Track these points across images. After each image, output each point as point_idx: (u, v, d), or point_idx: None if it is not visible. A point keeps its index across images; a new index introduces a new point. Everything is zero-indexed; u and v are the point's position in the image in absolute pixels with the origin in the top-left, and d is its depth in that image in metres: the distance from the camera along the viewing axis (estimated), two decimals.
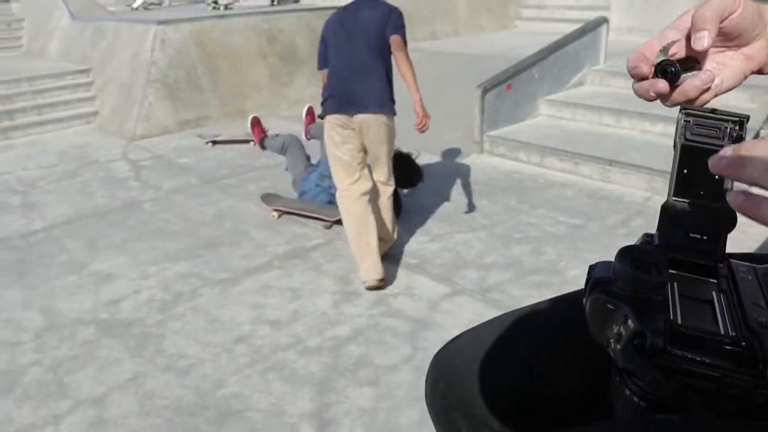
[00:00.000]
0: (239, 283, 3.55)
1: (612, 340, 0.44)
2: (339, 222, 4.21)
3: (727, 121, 0.52)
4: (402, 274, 3.58)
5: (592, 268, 0.48)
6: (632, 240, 0.50)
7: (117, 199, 5.03)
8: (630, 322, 0.42)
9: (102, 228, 4.45)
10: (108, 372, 2.78)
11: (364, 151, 3.46)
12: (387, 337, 2.98)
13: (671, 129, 0.62)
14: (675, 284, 0.46)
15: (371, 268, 3.36)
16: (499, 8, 11.00)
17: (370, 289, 3.38)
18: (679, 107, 0.57)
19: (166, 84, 7.26)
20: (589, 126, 5.84)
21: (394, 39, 3.36)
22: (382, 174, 3.57)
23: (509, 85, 5.90)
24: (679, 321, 0.43)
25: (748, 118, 0.53)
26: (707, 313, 0.45)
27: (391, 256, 3.74)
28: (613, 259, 0.45)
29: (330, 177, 3.78)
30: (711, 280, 0.46)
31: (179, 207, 4.79)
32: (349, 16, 3.45)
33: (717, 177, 0.49)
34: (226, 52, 7.87)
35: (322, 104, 3.49)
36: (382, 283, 3.39)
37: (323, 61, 3.52)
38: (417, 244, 3.95)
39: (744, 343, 0.42)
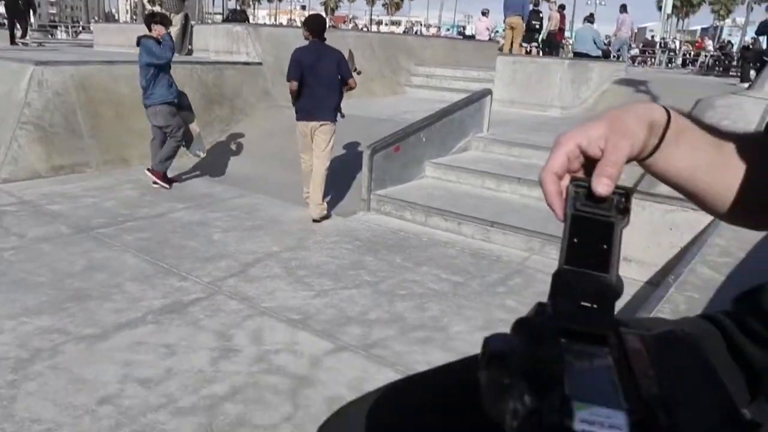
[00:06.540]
0: (107, 339, 3.29)
1: (508, 416, 0.42)
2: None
3: (614, 193, 0.54)
4: (284, 329, 3.48)
5: (486, 340, 0.45)
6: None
7: None
8: (526, 398, 0.41)
9: None
10: None
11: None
12: (267, 396, 2.86)
13: None
14: (570, 356, 0.45)
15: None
16: (391, 75, 11.44)
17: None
18: (569, 178, 0.58)
19: (40, 127, 6.84)
20: (472, 189, 6.09)
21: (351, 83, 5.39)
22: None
23: (397, 147, 6.06)
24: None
25: (634, 190, 0.56)
26: (603, 386, 0.44)
27: (271, 311, 3.65)
28: (503, 330, 0.44)
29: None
30: (603, 349, 0.46)
31: (45, 257, 4.44)
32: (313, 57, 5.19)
33: (605, 247, 0.50)
34: (111, 99, 7.57)
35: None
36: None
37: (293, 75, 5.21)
38: (300, 300, 3.88)
39: (639, 415, 0.41)
